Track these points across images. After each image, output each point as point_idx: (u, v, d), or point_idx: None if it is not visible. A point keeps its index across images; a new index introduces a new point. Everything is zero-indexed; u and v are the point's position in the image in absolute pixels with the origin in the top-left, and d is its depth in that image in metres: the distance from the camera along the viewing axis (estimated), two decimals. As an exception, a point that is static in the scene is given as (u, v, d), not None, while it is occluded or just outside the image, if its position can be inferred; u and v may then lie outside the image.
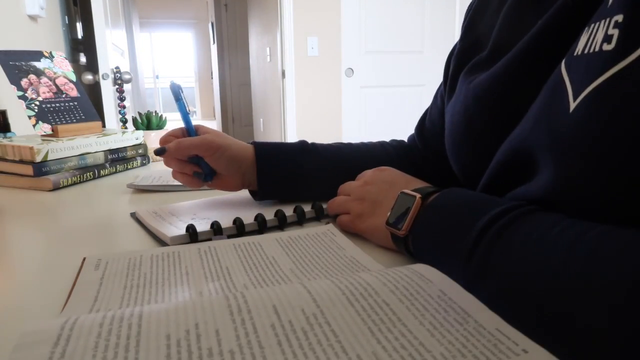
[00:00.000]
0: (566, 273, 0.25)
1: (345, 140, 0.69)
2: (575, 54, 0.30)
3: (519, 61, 0.38)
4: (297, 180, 0.58)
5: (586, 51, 0.29)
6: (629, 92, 0.25)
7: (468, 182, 0.47)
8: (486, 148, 0.41)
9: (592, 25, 0.29)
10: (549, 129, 0.31)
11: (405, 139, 0.70)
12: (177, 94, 0.56)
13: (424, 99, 3.13)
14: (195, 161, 0.57)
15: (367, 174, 0.51)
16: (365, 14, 2.94)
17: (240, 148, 0.57)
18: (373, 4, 2.93)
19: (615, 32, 0.26)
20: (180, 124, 0.60)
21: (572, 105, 0.28)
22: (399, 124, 3.11)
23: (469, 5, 0.53)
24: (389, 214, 0.42)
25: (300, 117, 3.00)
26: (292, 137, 2.99)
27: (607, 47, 0.27)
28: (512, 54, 0.39)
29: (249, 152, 0.58)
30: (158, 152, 0.55)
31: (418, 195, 0.39)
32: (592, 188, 0.28)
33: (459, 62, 0.50)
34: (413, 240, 0.39)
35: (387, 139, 0.70)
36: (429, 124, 0.62)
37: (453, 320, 0.27)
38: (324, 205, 0.56)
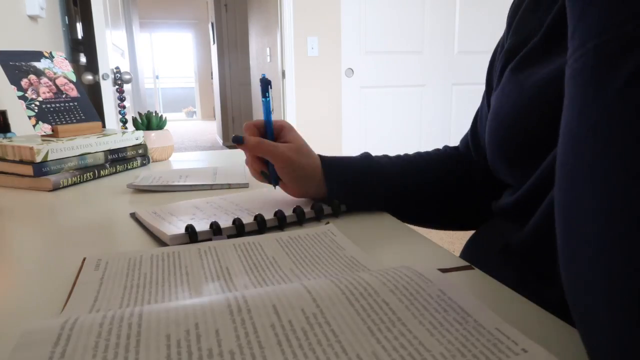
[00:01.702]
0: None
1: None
2: None
3: None
4: (362, 192, 0.57)
5: None
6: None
7: (512, 177, 0.46)
8: (540, 141, 0.40)
9: None
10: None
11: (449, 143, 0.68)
12: (265, 89, 0.55)
13: (424, 99, 3.13)
14: (267, 161, 0.57)
15: None
16: (365, 14, 2.94)
17: (313, 168, 0.56)
18: (373, 4, 2.93)
19: None
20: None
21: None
22: (399, 124, 3.11)
23: (515, 2, 0.51)
24: None
25: (300, 117, 3.00)
26: (292, 137, 2.99)
27: None
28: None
29: (318, 170, 0.57)
30: (235, 140, 0.53)
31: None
32: None
33: (507, 59, 0.48)
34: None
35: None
36: (480, 128, 0.60)
37: (452, 319, 0.27)
38: (324, 206, 0.56)
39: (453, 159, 0.62)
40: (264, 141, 0.54)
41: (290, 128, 0.59)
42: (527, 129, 0.42)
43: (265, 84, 0.55)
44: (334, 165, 0.57)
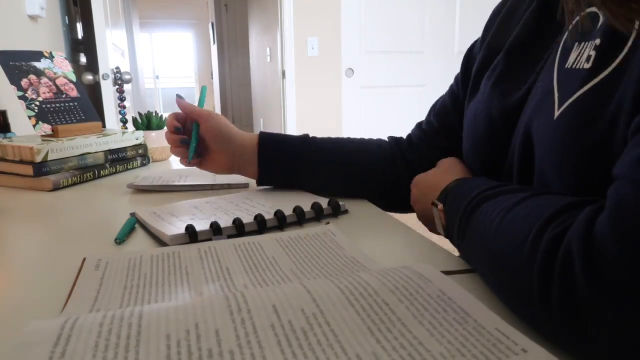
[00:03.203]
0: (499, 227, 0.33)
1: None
2: (566, 66, 0.36)
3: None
4: (296, 171, 0.63)
5: (574, 66, 0.35)
6: (597, 104, 0.30)
7: (487, 173, 0.51)
8: (504, 141, 0.46)
9: (583, 43, 0.35)
10: (537, 133, 0.37)
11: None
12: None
13: (424, 99, 3.12)
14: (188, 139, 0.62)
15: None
16: (365, 14, 2.94)
17: (239, 132, 0.64)
18: (373, 4, 2.93)
19: (593, 54, 0.32)
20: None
21: (557, 113, 0.34)
22: (399, 124, 3.11)
23: (495, 10, 0.56)
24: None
25: (300, 117, 3.00)
26: (292, 137, 2.99)
27: (586, 65, 0.33)
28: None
29: (248, 137, 0.63)
30: (178, 97, 0.64)
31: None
32: (563, 185, 0.34)
33: (482, 66, 0.54)
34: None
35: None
36: (440, 106, 0.66)
37: (452, 319, 0.27)
38: (324, 206, 0.56)
39: (393, 145, 0.69)
40: (191, 107, 0.63)
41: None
42: (494, 145, 0.48)
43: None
44: (269, 145, 0.63)
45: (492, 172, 0.49)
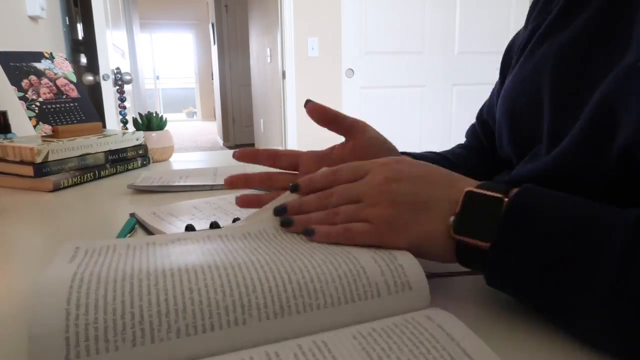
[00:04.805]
0: None
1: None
2: None
3: (599, 18, 0.39)
4: None
5: None
6: None
7: (520, 156, 0.45)
8: (563, 109, 0.39)
9: None
10: (618, 87, 0.31)
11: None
12: None
13: (424, 99, 3.12)
14: None
15: (374, 165, 0.38)
16: (365, 14, 2.93)
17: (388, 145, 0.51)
18: (373, 5, 2.93)
19: None
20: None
21: None
22: (399, 125, 3.11)
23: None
24: (451, 219, 0.32)
25: (300, 118, 3.00)
26: (292, 138, 2.99)
27: None
28: (586, 18, 0.39)
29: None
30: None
31: (504, 198, 0.31)
32: None
33: (525, 43, 0.48)
34: (498, 255, 0.30)
35: (396, 142, 0.66)
36: (486, 114, 0.61)
37: None
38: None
39: (478, 152, 0.63)
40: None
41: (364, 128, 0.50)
42: (540, 87, 0.42)
43: None
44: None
45: (526, 141, 0.44)
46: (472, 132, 0.65)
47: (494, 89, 0.60)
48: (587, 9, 0.40)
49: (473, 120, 0.65)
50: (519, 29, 0.56)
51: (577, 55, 0.40)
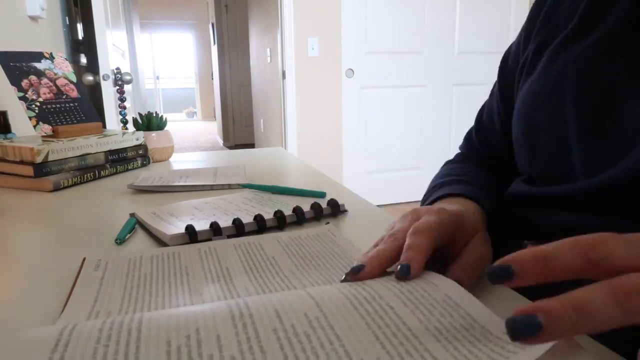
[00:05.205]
0: None
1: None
2: None
3: (616, 34, 0.39)
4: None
5: None
6: None
7: (538, 167, 0.45)
8: (585, 118, 0.39)
9: None
10: None
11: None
12: None
13: (424, 99, 3.12)
14: None
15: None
16: (365, 14, 2.93)
17: (471, 220, 0.43)
18: (373, 5, 2.93)
19: None
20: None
21: None
22: (399, 125, 3.11)
23: (537, 3, 0.52)
24: None
25: (300, 118, 2.99)
26: (292, 138, 2.99)
27: None
28: (611, 25, 0.39)
29: (475, 219, 0.44)
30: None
31: None
32: None
33: (539, 50, 0.47)
34: None
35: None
36: (487, 122, 0.60)
37: (459, 325, 0.26)
38: (324, 206, 0.56)
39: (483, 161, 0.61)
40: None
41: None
42: (565, 93, 0.41)
43: None
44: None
45: (547, 155, 0.42)
46: (470, 140, 0.64)
47: (493, 90, 0.60)
48: (607, 21, 0.40)
49: (473, 119, 0.65)
50: (519, 29, 0.56)
51: (599, 68, 0.39)
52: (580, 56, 0.41)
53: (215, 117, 7.55)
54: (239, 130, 6.17)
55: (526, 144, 0.46)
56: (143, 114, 1.03)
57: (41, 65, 0.89)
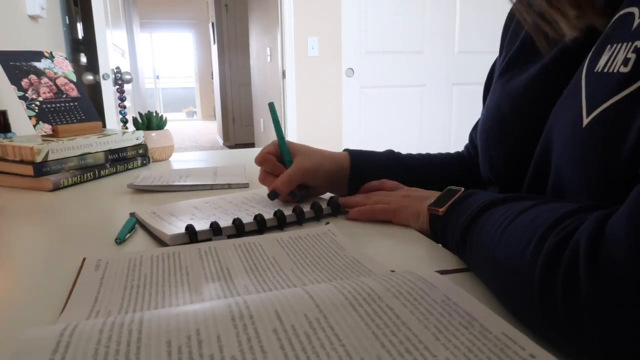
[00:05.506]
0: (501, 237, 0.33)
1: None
2: (596, 70, 0.33)
3: (547, 71, 0.45)
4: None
5: (606, 70, 0.32)
6: (636, 112, 0.28)
7: (499, 179, 0.52)
8: (516, 147, 0.48)
9: (615, 45, 0.32)
10: (561, 139, 0.36)
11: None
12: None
13: (424, 99, 3.12)
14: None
15: (399, 192, 0.58)
16: (365, 14, 2.93)
17: (331, 163, 0.62)
18: (373, 4, 2.92)
19: (632, 57, 0.29)
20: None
21: (585, 121, 0.32)
22: (399, 124, 3.11)
23: (506, 22, 0.59)
24: (428, 201, 0.49)
25: (300, 117, 2.99)
26: (292, 138, 2.99)
27: (623, 69, 0.30)
28: (542, 64, 0.46)
29: (342, 162, 0.63)
30: (271, 197, 0.58)
31: (462, 189, 0.47)
32: (585, 195, 0.33)
33: (497, 72, 0.55)
34: (442, 220, 0.45)
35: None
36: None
37: (458, 324, 0.26)
38: (324, 206, 0.56)
39: (462, 161, 0.69)
40: (283, 178, 0.58)
41: (293, 145, 0.61)
42: (505, 127, 0.50)
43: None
44: (360, 166, 0.63)
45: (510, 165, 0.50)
46: (467, 146, 0.71)
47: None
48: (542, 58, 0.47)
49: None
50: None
51: (533, 99, 0.47)
52: (517, 91, 0.49)
53: (215, 116, 7.55)
54: (239, 129, 6.16)
55: (484, 156, 0.55)
56: (143, 114, 1.03)
57: (41, 65, 0.89)
